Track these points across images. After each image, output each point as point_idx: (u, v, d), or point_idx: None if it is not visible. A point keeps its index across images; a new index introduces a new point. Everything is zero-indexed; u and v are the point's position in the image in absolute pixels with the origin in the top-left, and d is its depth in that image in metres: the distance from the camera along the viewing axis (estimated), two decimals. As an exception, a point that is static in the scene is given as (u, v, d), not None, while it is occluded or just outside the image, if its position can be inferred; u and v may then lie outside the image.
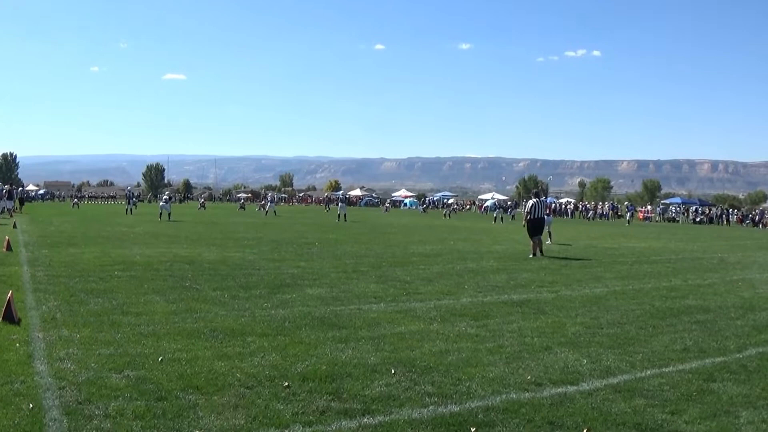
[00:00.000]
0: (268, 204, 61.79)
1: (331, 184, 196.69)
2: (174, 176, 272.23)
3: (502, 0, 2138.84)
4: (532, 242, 23.28)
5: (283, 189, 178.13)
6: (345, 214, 49.38)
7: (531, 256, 22.70)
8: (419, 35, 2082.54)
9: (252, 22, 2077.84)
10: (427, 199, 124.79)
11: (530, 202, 24.14)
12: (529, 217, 23.47)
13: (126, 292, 12.59)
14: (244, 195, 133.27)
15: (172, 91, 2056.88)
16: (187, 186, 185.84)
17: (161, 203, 46.40)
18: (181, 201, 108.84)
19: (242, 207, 77.02)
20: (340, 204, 52.57)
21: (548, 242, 30.56)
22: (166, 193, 73.63)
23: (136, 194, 59.09)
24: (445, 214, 70.55)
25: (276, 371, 7.50)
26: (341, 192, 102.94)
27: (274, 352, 8.34)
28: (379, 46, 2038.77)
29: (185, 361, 7.81)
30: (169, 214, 43.18)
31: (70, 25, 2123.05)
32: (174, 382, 7.00)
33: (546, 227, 32.50)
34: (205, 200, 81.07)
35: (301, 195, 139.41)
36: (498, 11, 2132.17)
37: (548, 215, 33.94)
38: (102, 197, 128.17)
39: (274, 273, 16.22)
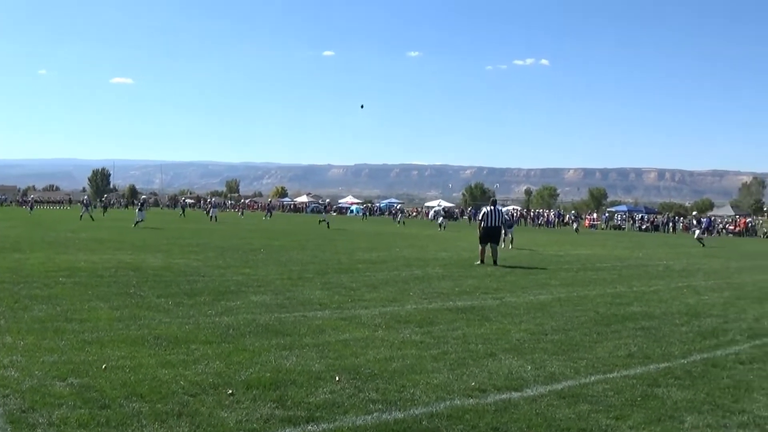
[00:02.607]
0: (212, 210, 62.01)
1: (277, 190, 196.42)
2: (120, 181, 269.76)
3: (452, 9, 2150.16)
4: (480, 248, 23.43)
5: (229, 195, 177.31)
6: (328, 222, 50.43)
7: (478, 263, 22.86)
8: (368, 42, 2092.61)
9: (200, 27, 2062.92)
10: (374, 206, 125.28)
11: (485, 210, 24.26)
12: (483, 224, 23.56)
13: (70, 299, 12.46)
14: (191, 201, 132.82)
15: (119, 95, 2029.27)
16: (133, 191, 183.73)
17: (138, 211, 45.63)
18: (126, 207, 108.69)
19: (183, 213, 76.66)
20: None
21: (509, 247, 31.68)
22: (142, 198, 72.59)
23: (87, 200, 58.60)
24: (399, 221, 70.69)
25: (220, 379, 7.49)
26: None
27: (218, 360, 8.32)
28: (327, 53, 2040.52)
29: (129, 368, 7.76)
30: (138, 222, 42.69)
31: (17, 28, 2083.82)
32: (118, 389, 6.96)
33: (509, 234, 33.26)
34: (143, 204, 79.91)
35: (246, 201, 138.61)
36: (447, 20, 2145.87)
37: (510, 225, 34.76)
38: (51, 202, 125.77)
39: (219, 280, 16.16)
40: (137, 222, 42.51)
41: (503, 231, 27.97)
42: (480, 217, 24.04)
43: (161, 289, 14.29)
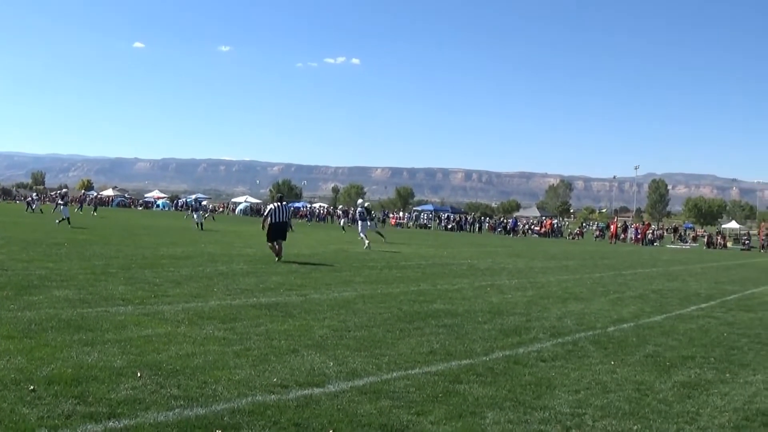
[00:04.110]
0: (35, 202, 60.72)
1: (83, 183, 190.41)
2: None
3: (262, 4, 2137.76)
4: (270, 245, 23.58)
5: (35, 187, 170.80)
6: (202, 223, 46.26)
7: (277, 260, 22.84)
8: (179, 35, 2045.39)
9: (4, 13, 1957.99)
10: (181, 201, 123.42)
11: (271, 206, 24.71)
12: (270, 220, 23.86)
13: None
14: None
15: None
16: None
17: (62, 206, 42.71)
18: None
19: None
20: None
21: (383, 240, 31.83)
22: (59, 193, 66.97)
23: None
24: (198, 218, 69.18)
25: (21, 375, 7.28)
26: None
27: (19, 355, 8.07)
28: (138, 44, 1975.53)
29: (-73, 364, 7.44)
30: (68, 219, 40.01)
31: None
32: None
33: (375, 229, 33.53)
34: None
35: (53, 194, 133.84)
36: (258, 15, 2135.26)
37: (371, 220, 35.22)
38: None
39: (22, 274, 15.54)
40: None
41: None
42: (265, 213, 24.44)
43: (-38, 283, 13.69)
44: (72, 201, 66.21)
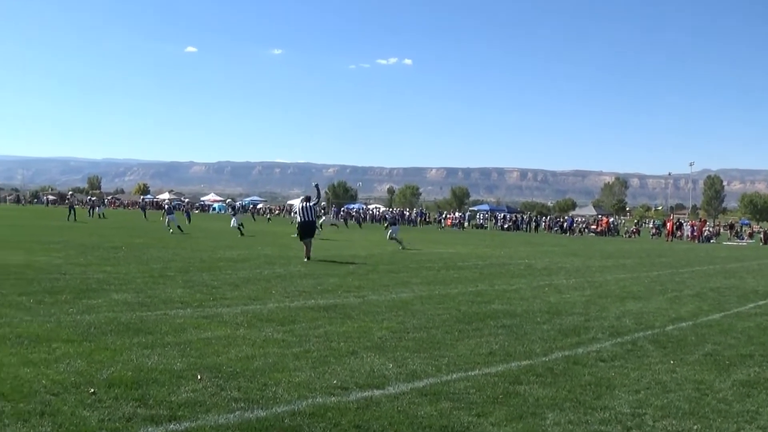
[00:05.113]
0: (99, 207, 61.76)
1: (139, 187, 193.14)
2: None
3: (313, 7, 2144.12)
4: (303, 243, 24.10)
5: (91, 192, 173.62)
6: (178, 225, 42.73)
7: (306, 260, 23.17)
8: (231, 39, 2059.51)
9: (62, 18, 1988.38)
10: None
11: (298, 206, 25.51)
12: (299, 219, 24.67)
13: (-70, 297, 12.01)
14: (52, 197, 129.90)
15: None
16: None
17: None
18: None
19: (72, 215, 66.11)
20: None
21: (400, 248, 32.34)
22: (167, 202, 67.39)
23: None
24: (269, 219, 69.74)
25: (82, 378, 7.38)
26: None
27: (79, 359, 8.18)
28: (190, 49, 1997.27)
29: (-9, 367, 7.57)
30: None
31: None
32: (-20, 388, 6.79)
33: (394, 234, 33.95)
34: None
35: (109, 198, 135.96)
36: (308, 18, 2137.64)
37: (395, 224, 35.66)
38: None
39: (80, 277, 15.82)
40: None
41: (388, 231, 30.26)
42: (293, 213, 24.62)
43: (22, 287, 13.95)
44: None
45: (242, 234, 38.22)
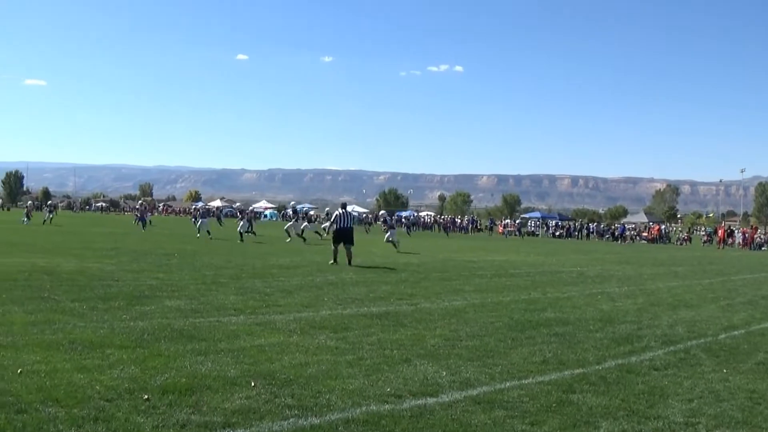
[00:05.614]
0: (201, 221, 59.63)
1: (191, 194, 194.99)
2: (33, 184, 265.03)
3: (363, 14, 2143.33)
4: (333, 248, 24.82)
5: (142, 198, 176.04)
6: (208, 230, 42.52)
7: (331, 262, 24.09)
8: (282, 46, 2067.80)
9: (113, 28, 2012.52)
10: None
11: (337, 212, 25.86)
12: (335, 226, 25.23)
13: (-16, 303, 12.25)
14: (104, 204, 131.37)
15: (32, 97, 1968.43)
16: (46, 194, 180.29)
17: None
18: (38, 209, 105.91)
19: (28, 216, 59.56)
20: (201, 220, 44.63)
21: (396, 250, 33.97)
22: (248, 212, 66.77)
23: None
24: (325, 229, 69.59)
25: (135, 384, 7.45)
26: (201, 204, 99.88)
27: (133, 365, 8.27)
28: (241, 56, 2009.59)
29: (44, 373, 7.67)
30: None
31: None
32: (33, 394, 6.88)
33: (391, 239, 35.19)
34: (29, 210, 69.26)
35: (161, 205, 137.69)
36: (359, 26, 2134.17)
37: (393, 228, 36.94)
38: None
39: (133, 284, 16.00)
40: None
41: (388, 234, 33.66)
42: (332, 220, 25.79)
43: (75, 293, 14.12)
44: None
45: (242, 240, 38.69)
